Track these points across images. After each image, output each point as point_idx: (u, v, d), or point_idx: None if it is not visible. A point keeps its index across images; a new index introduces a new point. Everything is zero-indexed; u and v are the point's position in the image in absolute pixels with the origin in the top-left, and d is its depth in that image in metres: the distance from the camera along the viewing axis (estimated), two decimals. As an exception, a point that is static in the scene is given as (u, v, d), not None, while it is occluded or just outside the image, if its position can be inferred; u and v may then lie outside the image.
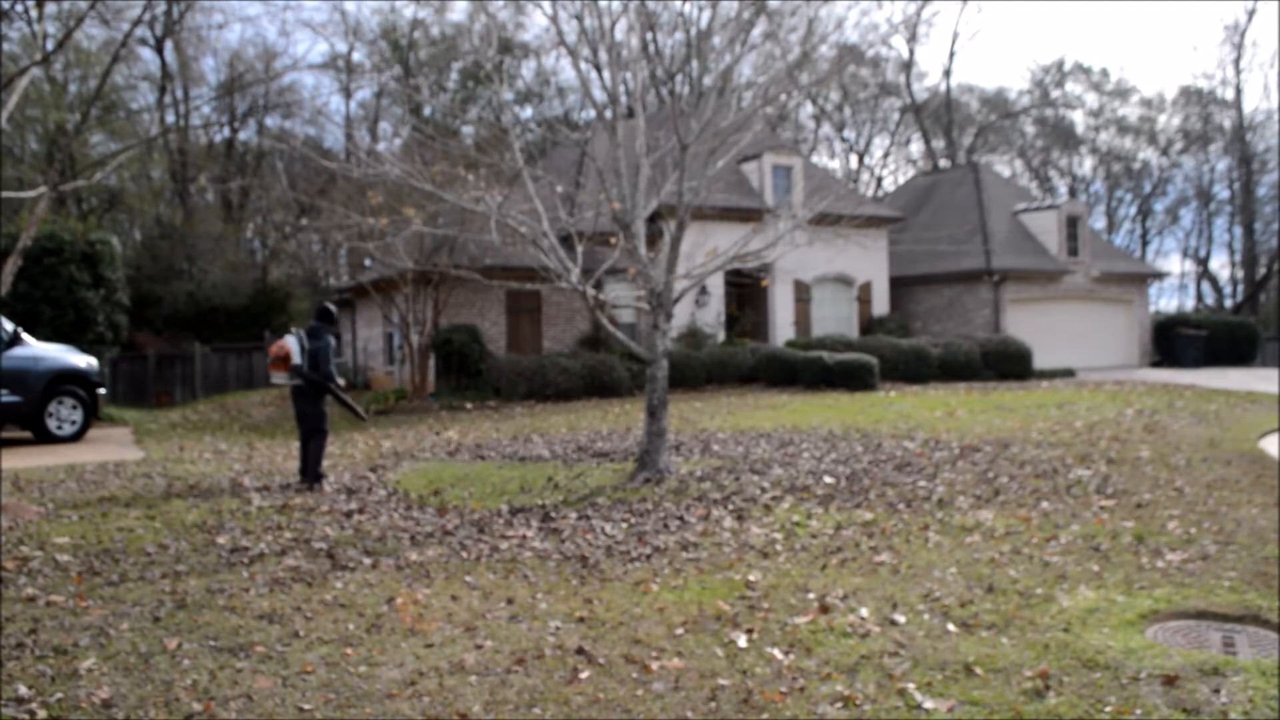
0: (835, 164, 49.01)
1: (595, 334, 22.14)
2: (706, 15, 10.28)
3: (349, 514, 8.22)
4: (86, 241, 19.04)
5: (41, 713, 4.02)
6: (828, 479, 9.33)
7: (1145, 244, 51.02)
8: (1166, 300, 58.87)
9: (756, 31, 10.91)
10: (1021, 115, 49.08)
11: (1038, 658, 4.48)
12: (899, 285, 27.36)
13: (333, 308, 9.98)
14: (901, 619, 5.10)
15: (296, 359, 9.47)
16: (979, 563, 6.20)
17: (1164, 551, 6.30)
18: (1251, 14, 55.95)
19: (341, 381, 9.88)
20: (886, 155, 50.26)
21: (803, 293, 24.89)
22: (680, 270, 10.37)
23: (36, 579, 6.10)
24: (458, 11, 43.99)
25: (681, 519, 7.77)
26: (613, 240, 10.51)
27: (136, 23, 13.24)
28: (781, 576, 6.02)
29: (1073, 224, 28.01)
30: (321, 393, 9.70)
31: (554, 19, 10.69)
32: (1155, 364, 29.08)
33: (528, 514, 8.13)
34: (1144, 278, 30.21)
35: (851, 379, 20.16)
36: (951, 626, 4.96)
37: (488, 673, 4.47)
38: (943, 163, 45.25)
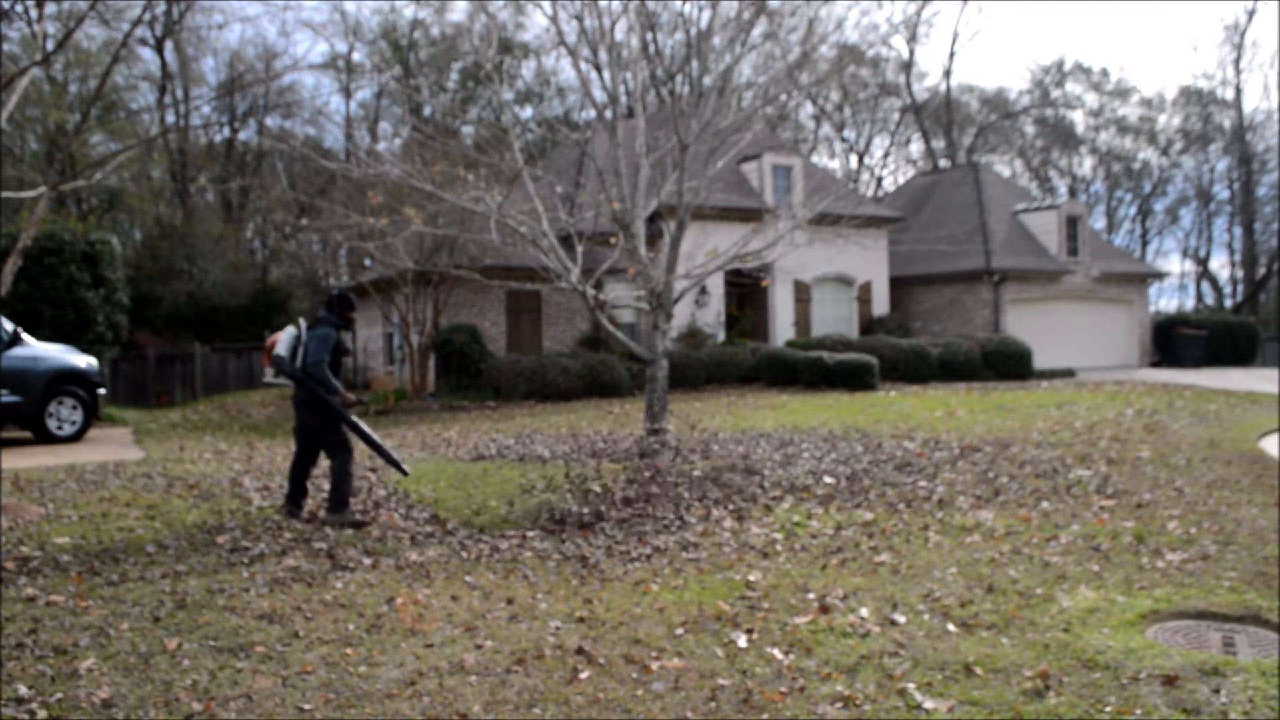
0: (835, 164, 49.06)
1: (595, 334, 22.13)
2: (706, 15, 10.32)
3: (349, 514, 8.20)
4: (86, 241, 19.02)
5: (41, 713, 4.02)
6: (828, 479, 9.33)
7: (1145, 244, 51.05)
8: (1166, 300, 58.97)
9: (756, 31, 10.93)
10: (1021, 115, 49.08)
11: (1038, 658, 4.47)
12: (899, 285, 27.36)
13: (351, 296, 8.22)
14: (901, 619, 5.10)
15: (279, 349, 7.70)
16: (979, 563, 6.20)
17: (1164, 551, 6.29)
18: (1251, 14, 56.06)
19: (352, 393, 8.03)
20: (886, 155, 50.32)
21: (803, 293, 24.88)
22: (680, 270, 10.38)
23: (36, 579, 6.09)
24: (458, 11, 44.08)
25: (681, 519, 7.77)
26: (613, 240, 10.51)
27: (136, 23, 13.25)
28: (781, 576, 6.02)
29: (1073, 224, 28.01)
30: (322, 400, 7.69)
31: (554, 19, 10.72)
32: (1155, 364, 29.07)
33: (528, 514, 8.12)
34: (1144, 278, 30.21)
35: (851, 379, 20.15)
36: (951, 626, 4.95)
37: (488, 673, 4.47)
38: (943, 163, 45.24)
